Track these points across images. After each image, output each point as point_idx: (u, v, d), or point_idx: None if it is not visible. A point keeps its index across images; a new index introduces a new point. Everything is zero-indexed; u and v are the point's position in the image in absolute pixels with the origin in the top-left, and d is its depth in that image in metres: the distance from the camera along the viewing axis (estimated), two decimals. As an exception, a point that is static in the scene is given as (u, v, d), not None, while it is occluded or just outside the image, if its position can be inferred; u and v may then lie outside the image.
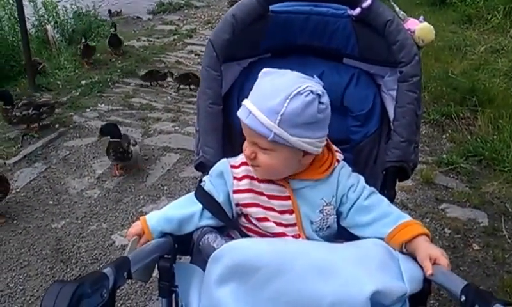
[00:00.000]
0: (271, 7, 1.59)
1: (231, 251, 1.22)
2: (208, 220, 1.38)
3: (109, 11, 8.48)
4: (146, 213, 3.20)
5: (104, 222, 3.33)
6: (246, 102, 1.30)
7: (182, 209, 1.38)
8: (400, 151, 1.49)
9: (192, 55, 6.61)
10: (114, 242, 3.13)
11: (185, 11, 9.08)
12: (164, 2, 9.30)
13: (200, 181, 1.47)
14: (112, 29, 6.36)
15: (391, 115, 1.58)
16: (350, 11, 1.55)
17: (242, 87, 1.60)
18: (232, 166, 1.41)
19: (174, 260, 1.33)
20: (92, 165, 3.99)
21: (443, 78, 4.96)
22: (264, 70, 1.34)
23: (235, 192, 1.39)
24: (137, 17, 8.64)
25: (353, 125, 1.62)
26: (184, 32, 7.58)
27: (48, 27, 6.49)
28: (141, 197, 3.60)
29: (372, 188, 1.38)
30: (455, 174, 3.74)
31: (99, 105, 5.05)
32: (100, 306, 1.00)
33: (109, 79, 5.65)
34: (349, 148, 1.60)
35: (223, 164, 1.43)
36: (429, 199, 3.45)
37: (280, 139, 1.24)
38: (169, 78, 5.55)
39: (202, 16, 8.60)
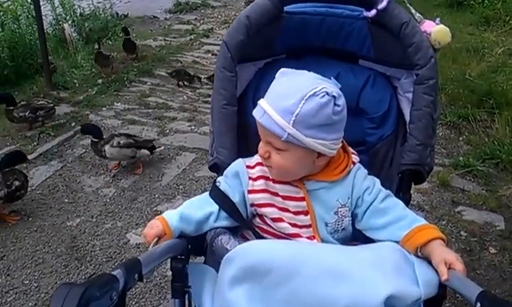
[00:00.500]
0: (286, 8, 1.58)
1: (244, 253, 1.22)
2: (223, 221, 1.38)
3: (116, 13, 8.26)
4: (161, 212, 3.23)
5: (119, 221, 3.35)
6: (261, 102, 1.30)
7: (199, 210, 1.38)
8: (416, 155, 1.48)
9: (209, 55, 6.60)
10: (128, 241, 3.15)
11: (202, 10, 9.06)
12: (181, 2, 9.26)
13: (215, 181, 1.46)
14: (122, 34, 6.21)
15: (407, 117, 1.56)
16: (365, 13, 1.54)
17: (257, 88, 1.60)
18: (248, 166, 1.41)
19: (187, 261, 1.33)
20: (107, 164, 4.01)
21: (460, 80, 4.91)
22: (282, 69, 1.34)
23: (250, 192, 1.39)
24: (154, 17, 8.63)
25: (369, 127, 1.61)
26: (200, 31, 7.57)
27: (66, 25, 6.52)
28: (156, 196, 3.61)
29: (388, 191, 1.37)
30: (471, 176, 3.70)
31: (115, 104, 5.09)
32: None
33: (125, 78, 5.67)
34: (365, 150, 1.59)
35: (239, 164, 1.43)
36: (445, 201, 3.42)
37: (294, 140, 1.24)
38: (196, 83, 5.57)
39: (219, 16, 8.58)
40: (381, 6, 1.47)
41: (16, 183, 3.32)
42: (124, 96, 5.28)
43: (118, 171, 3.93)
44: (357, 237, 1.39)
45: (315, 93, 1.22)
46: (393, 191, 1.43)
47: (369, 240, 1.35)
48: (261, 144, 1.34)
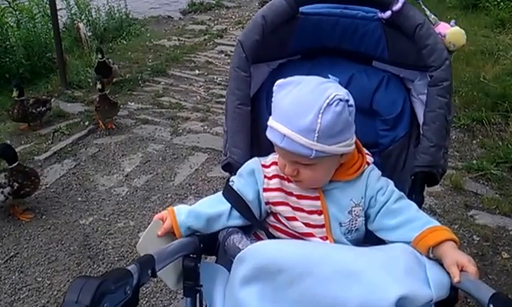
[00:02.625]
0: (301, 9, 1.58)
1: (256, 253, 1.22)
2: (236, 220, 1.38)
3: (126, 15, 7.87)
4: (173, 213, 3.23)
5: (132, 220, 3.37)
6: (274, 124, 1.28)
7: (210, 207, 1.38)
8: (430, 157, 1.47)
9: (223, 55, 6.61)
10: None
11: (216, 11, 9.07)
12: (195, 2, 9.31)
13: (228, 180, 1.47)
14: (99, 56, 5.20)
15: (420, 119, 1.56)
16: (380, 14, 1.53)
17: (271, 88, 1.60)
18: (263, 165, 1.42)
19: (199, 260, 1.34)
20: (121, 163, 4.04)
21: (475, 83, 4.89)
22: (278, 82, 1.32)
23: (265, 190, 1.39)
24: (169, 17, 8.67)
25: (382, 129, 1.61)
26: (214, 32, 7.58)
27: (81, 25, 6.55)
28: (169, 196, 3.63)
29: (401, 193, 1.36)
30: (485, 180, 3.68)
31: (129, 103, 5.11)
32: (123, 303, 1.00)
33: (139, 78, 5.70)
34: (378, 152, 1.59)
35: (255, 162, 1.44)
36: (458, 205, 3.40)
37: (322, 153, 1.24)
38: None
39: (233, 17, 8.59)
40: (396, 7, 1.46)
41: (20, 180, 3.29)
42: (138, 96, 5.31)
43: (131, 170, 3.95)
44: (369, 239, 1.39)
45: (328, 103, 1.21)
46: (406, 193, 1.43)
47: (381, 242, 1.34)
48: (284, 163, 1.32)
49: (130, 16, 7.78)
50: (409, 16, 1.47)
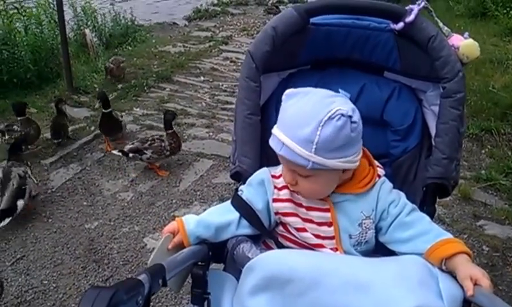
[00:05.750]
0: (312, 20, 1.57)
1: (265, 262, 1.22)
2: (245, 229, 1.37)
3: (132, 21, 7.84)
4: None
5: (137, 225, 3.37)
6: (276, 132, 1.29)
7: (219, 216, 1.38)
8: (442, 168, 1.46)
9: (228, 62, 6.60)
10: (146, 245, 3.17)
11: (221, 18, 9.07)
12: (200, 9, 9.34)
13: (237, 189, 1.47)
14: (98, 104, 4.43)
15: (432, 130, 1.55)
16: (392, 26, 1.52)
17: (281, 98, 1.60)
18: (273, 176, 1.41)
19: (208, 268, 1.33)
20: (126, 168, 4.05)
21: (484, 92, 4.86)
22: (287, 91, 1.32)
23: (275, 200, 1.39)
24: (174, 23, 8.69)
25: (393, 140, 1.60)
26: (219, 39, 7.57)
27: (87, 31, 6.59)
28: (174, 201, 3.63)
29: (413, 205, 1.36)
30: (494, 190, 3.65)
31: (134, 109, 5.12)
32: None
33: (144, 84, 5.70)
34: (388, 163, 1.58)
35: (265, 172, 1.43)
36: (467, 215, 3.38)
37: (319, 166, 1.23)
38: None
39: (238, 24, 8.58)
40: (409, 19, 1.46)
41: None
42: (143, 102, 5.31)
43: (136, 175, 3.96)
44: (378, 251, 1.38)
45: (330, 117, 1.20)
46: (417, 204, 1.42)
47: (391, 253, 1.34)
48: (286, 172, 1.33)
49: (136, 22, 7.81)
50: (422, 28, 1.46)
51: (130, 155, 3.87)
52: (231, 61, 6.62)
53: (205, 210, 1.45)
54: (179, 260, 1.24)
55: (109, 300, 0.91)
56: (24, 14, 5.82)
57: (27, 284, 2.86)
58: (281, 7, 9.59)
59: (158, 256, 1.29)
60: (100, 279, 2.89)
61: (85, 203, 3.62)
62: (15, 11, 5.78)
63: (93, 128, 4.62)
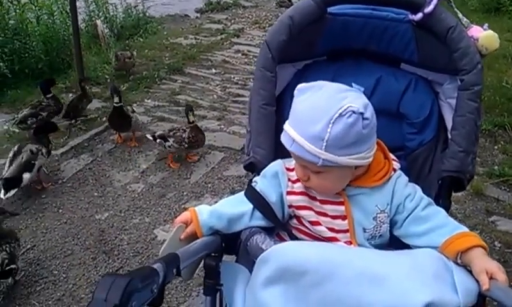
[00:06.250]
0: (329, 10, 1.55)
1: (279, 254, 1.21)
2: (258, 221, 1.36)
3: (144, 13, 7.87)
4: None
5: (147, 217, 3.38)
6: (287, 128, 1.28)
7: (233, 207, 1.37)
8: (458, 162, 1.44)
9: (239, 54, 6.59)
10: (156, 237, 3.18)
11: (233, 10, 9.05)
12: (212, 1, 9.29)
13: (250, 181, 1.46)
14: (116, 99, 4.12)
15: (448, 123, 1.53)
16: (411, 16, 1.50)
17: None
18: (287, 168, 1.40)
19: (220, 259, 1.33)
20: (137, 160, 4.06)
21: (497, 87, 4.83)
22: (299, 86, 1.31)
23: (288, 193, 1.38)
24: (185, 15, 8.67)
25: (409, 132, 1.58)
26: (231, 31, 7.55)
27: (98, 22, 6.58)
28: (185, 193, 3.63)
29: (430, 199, 1.34)
30: (506, 186, 3.62)
31: (146, 100, 5.14)
32: (149, 302, 0.99)
33: (156, 75, 5.70)
34: (404, 156, 1.56)
35: (279, 164, 1.42)
36: (479, 210, 3.36)
37: (329, 163, 1.22)
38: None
39: (250, 16, 8.55)
40: (428, 9, 1.43)
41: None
42: (154, 93, 5.32)
43: (147, 167, 3.97)
44: (392, 245, 1.37)
45: (341, 114, 1.19)
46: (432, 198, 1.40)
47: (405, 247, 1.33)
48: (298, 167, 1.32)
49: (147, 14, 7.79)
50: (441, 19, 1.44)
51: (158, 140, 3.90)
52: (242, 54, 6.60)
53: (216, 202, 1.44)
54: (193, 250, 1.23)
55: (125, 288, 0.90)
56: (35, 4, 5.84)
57: (37, 274, 2.88)
58: (293, 0, 9.54)
59: (170, 246, 1.29)
60: (110, 270, 2.90)
61: (96, 194, 3.63)
62: (27, 1, 5.78)
63: (104, 119, 4.63)
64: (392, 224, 1.34)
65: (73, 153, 4.12)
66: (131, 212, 3.43)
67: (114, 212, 3.43)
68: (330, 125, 1.18)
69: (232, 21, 8.28)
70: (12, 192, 3.39)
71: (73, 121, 4.53)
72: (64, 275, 2.87)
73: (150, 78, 5.62)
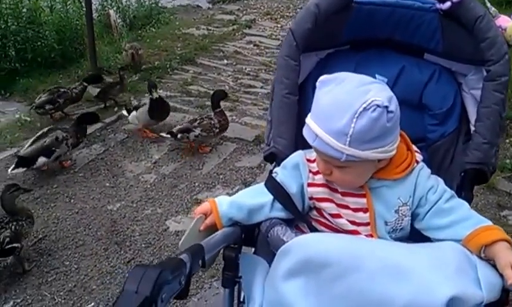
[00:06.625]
0: None
1: (301, 246, 1.19)
2: (278, 212, 1.34)
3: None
4: (201, 201, 3.25)
5: (159, 207, 3.38)
6: (310, 123, 1.25)
7: (253, 198, 1.35)
8: (482, 153, 1.42)
9: (251, 45, 6.59)
10: (168, 228, 3.17)
11: (245, 1, 9.01)
12: (224, -8, 9.29)
13: (271, 172, 1.44)
14: (155, 94, 4.12)
15: (470, 115, 1.51)
16: (439, 5, 1.46)
17: (318, 79, 1.56)
18: (308, 160, 1.38)
19: (240, 251, 1.31)
20: (149, 150, 4.05)
21: (509, 79, 4.73)
22: (321, 78, 1.27)
23: (309, 185, 1.36)
24: (197, 6, 8.67)
25: (430, 124, 1.55)
26: (243, 22, 7.55)
27: (111, 12, 6.60)
28: (197, 184, 3.63)
29: (452, 192, 1.32)
30: (518, 180, 3.58)
31: (158, 90, 5.07)
32: (177, 294, 0.98)
33: (168, 66, 5.71)
34: (425, 147, 1.53)
35: (299, 155, 1.40)
36: (491, 204, 3.34)
37: (353, 157, 1.20)
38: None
39: (261, 8, 8.53)
40: None
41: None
42: (166, 84, 5.32)
43: (160, 157, 3.96)
44: (412, 237, 1.35)
45: (365, 108, 1.16)
46: (454, 190, 1.38)
47: (426, 240, 1.31)
48: (320, 161, 1.30)
49: (160, 4, 7.79)
50: (469, 8, 1.41)
51: (179, 135, 3.89)
52: (254, 45, 6.60)
53: (227, 193, 1.43)
54: (215, 241, 1.22)
55: (156, 280, 0.89)
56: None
57: (48, 265, 2.88)
58: None
59: (190, 238, 1.27)
60: (122, 261, 2.90)
61: (107, 184, 3.63)
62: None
63: (116, 109, 4.62)
64: (414, 216, 1.32)
65: (85, 143, 4.11)
66: (143, 203, 3.43)
67: (126, 203, 3.43)
68: (354, 120, 1.16)
69: (244, 12, 8.27)
70: (21, 170, 3.44)
71: (103, 104, 4.77)
72: (75, 266, 2.87)
73: (162, 69, 5.63)
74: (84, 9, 5.30)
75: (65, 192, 3.52)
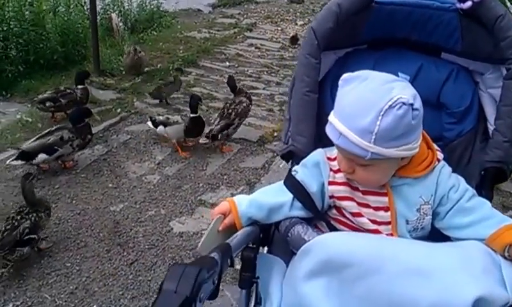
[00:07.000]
0: None
1: (322, 245, 1.18)
2: (298, 211, 1.33)
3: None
4: (205, 202, 3.21)
5: (163, 209, 3.35)
6: (333, 121, 1.23)
7: (272, 197, 1.34)
8: (502, 152, 1.41)
9: (253, 48, 6.64)
10: (172, 229, 3.15)
11: (246, 6, 9.11)
12: (225, -4, 9.37)
13: (290, 170, 1.42)
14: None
15: (488, 114, 1.50)
16: (459, 5, 1.46)
17: (336, 77, 1.54)
18: (328, 158, 1.37)
19: (258, 250, 1.30)
20: (152, 151, 4.04)
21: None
22: (344, 76, 1.26)
23: (330, 183, 1.34)
24: (198, 10, 8.72)
25: (448, 122, 1.54)
26: (244, 26, 7.60)
27: (113, 15, 6.65)
28: (201, 185, 3.61)
29: (474, 190, 1.31)
30: (523, 181, 3.56)
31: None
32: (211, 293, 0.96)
33: (170, 68, 5.71)
34: (442, 146, 1.51)
35: (320, 154, 1.39)
36: (495, 205, 3.25)
37: (378, 156, 1.18)
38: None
39: (262, 12, 8.62)
40: None
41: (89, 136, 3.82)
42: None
43: (163, 158, 3.94)
44: (430, 236, 1.34)
45: (390, 105, 1.15)
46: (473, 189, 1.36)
47: (445, 239, 1.30)
48: (342, 160, 1.29)
49: (161, 8, 7.82)
50: (490, 7, 1.40)
51: (219, 136, 3.94)
52: (255, 48, 6.65)
53: (232, 194, 1.41)
54: (239, 241, 1.20)
55: (195, 279, 0.86)
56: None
57: (49, 266, 2.84)
58: None
59: (209, 238, 1.26)
60: (125, 263, 2.87)
61: (110, 185, 3.60)
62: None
63: (119, 110, 4.62)
64: (434, 215, 1.31)
65: (88, 144, 4.06)
66: (146, 204, 3.40)
67: (129, 204, 3.40)
68: (380, 118, 1.15)
69: (245, 16, 8.34)
70: (19, 162, 3.47)
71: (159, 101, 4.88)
72: (77, 268, 2.83)
73: (165, 71, 5.64)
74: (87, 13, 5.33)
75: (67, 193, 3.48)
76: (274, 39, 7.00)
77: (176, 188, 3.57)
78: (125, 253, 2.95)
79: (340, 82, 1.26)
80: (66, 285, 2.71)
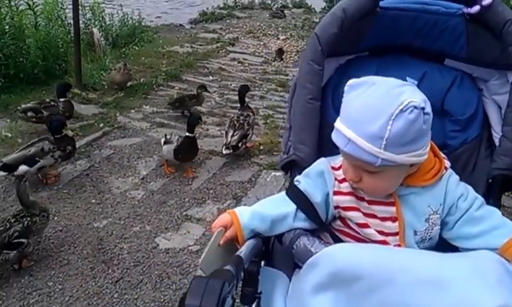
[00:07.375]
0: (381, 3, 1.49)
1: (330, 257, 1.13)
2: (301, 222, 1.29)
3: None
4: (191, 217, 3.14)
5: (148, 224, 3.29)
6: (340, 127, 1.19)
7: (275, 208, 1.30)
8: (510, 159, 1.39)
9: (235, 62, 6.69)
10: (157, 245, 3.09)
11: (227, 21, 9.22)
12: (206, 12, 9.50)
13: (292, 180, 1.38)
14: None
15: (492, 121, 1.48)
16: (467, 9, 1.44)
17: (337, 84, 1.53)
18: (332, 167, 1.32)
19: (260, 264, 1.25)
20: (136, 166, 3.98)
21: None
22: (349, 82, 1.22)
23: (335, 193, 1.30)
24: (180, 25, 8.75)
25: (452, 130, 1.51)
26: (226, 40, 7.67)
27: (95, 30, 6.67)
28: (186, 200, 3.56)
29: (482, 199, 1.28)
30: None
31: (144, 106, 5.12)
32: None
33: (153, 82, 5.72)
34: (446, 154, 1.48)
35: (323, 163, 1.34)
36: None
37: (388, 162, 1.14)
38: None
39: (244, 26, 8.71)
40: (486, 2, 1.37)
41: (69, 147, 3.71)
42: (152, 100, 5.31)
43: (147, 173, 3.87)
44: (438, 247, 1.29)
45: (402, 109, 1.11)
46: (479, 197, 1.34)
47: (453, 250, 1.26)
48: (348, 168, 1.24)
49: (143, 23, 7.83)
50: (498, 12, 1.38)
51: (240, 144, 3.95)
52: (238, 62, 6.70)
53: (218, 208, 1.35)
54: (246, 254, 1.16)
55: (220, 293, 0.83)
56: (34, 10, 5.82)
57: (30, 286, 2.75)
58: (286, 11, 9.76)
59: (211, 253, 1.20)
60: (110, 281, 2.79)
61: (93, 201, 3.53)
62: (26, 7, 5.77)
63: (101, 125, 4.56)
64: (442, 225, 1.28)
65: (70, 159, 3.97)
66: (131, 220, 3.33)
67: (113, 220, 3.32)
68: (391, 123, 1.11)
69: (227, 30, 8.41)
70: (1, 173, 3.45)
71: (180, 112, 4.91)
72: (60, 287, 2.74)
73: (148, 85, 5.64)
74: (68, 27, 5.34)
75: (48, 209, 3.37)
76: (257, 54, 7.04)
77: (161, 203, 3.51)
78: (110, 271, 2.87)
79: (346, 88, 1.22)
80: (48, 305, 2.62)
